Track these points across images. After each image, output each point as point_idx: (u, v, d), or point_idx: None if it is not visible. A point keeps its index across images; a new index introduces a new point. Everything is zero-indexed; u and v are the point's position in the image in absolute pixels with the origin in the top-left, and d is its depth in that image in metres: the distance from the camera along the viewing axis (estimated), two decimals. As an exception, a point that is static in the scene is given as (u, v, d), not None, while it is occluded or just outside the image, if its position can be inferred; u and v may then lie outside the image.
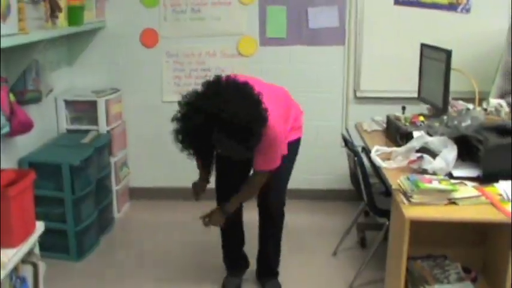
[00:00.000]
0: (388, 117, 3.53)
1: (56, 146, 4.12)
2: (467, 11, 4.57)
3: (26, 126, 3.46)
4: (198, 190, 3.35)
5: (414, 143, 2.89)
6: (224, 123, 2.53)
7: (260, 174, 3.02)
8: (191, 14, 4.59)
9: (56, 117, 4.42)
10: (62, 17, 3.66)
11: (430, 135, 2.98)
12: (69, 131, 4.45)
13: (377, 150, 3.01)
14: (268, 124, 2.72)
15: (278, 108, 2.91)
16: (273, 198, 3.24)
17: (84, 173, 3.87)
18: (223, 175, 3.32)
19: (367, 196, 3.31)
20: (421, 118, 3.30)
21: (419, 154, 2.83)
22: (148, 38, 4.69)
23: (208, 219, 3.15)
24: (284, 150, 3.02)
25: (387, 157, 2.97)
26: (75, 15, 3.83)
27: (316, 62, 4.64)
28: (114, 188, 4.55)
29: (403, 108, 3.53)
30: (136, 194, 4.94)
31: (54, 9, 3.59)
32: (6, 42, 2.89)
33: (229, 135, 2.57)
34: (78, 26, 3.92)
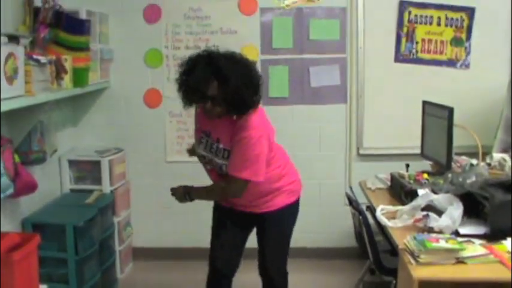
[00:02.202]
0: (392, 175, 3.52)
1: (59, 206, 4.09)
2: (467, 66, 4.64)
3: (30, 187, 3.45)
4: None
5: (419, 201, 2.88)
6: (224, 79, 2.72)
7: (233, 182, 2.93)
8: (194, 75, 4.64)
9: (59, 177, 4.41)
10: (67, 79, 3.70)
11: (435, 192, 2.97)
12: (72, 191, 4.43)
13: (382, 209, 2.99)
14: (251, 123, 2.85)
15: (270, 134, 2.99)
16: (273, 267, 3.22)
17: (88, 233, 3.84)
18: (219, 236, 3.30)
19: (373, 255, 3.28)
20: (425, 175, 3.29)
21: (424, 212, 2.81)
22: (152, 98, 4.74)
23: (173, 191, 3.25)
24: (260, 170, 2.91)
25: (392, 216, 2.95)
26: (80, 76, 3.88)
27: (319, 121, 4.67)
28: (118, 248, 4.50)
29: (407, 165, 3.53)
30: (140, 254, 4.88)
31: (59, 72, 3.64)
32: (12, 104, 2.94)
33: (225, 91, 2.72)
34: (82, 87, 3.96)
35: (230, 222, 3.25)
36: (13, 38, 2.97)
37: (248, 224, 3.25)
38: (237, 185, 2.93)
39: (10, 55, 2.90)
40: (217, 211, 3.35)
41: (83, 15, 4.06)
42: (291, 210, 3.22)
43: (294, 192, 3.21)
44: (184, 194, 3.16)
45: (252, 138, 2.85)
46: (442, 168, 3.39)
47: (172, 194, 3.23)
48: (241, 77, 2.75)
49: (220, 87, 2.73)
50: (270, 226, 3.18)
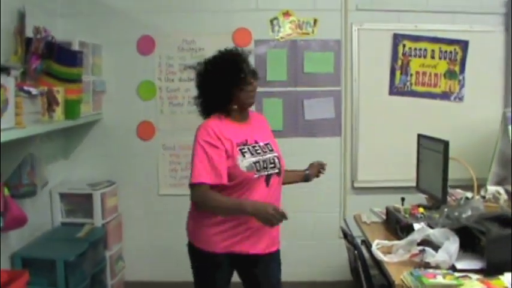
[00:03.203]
0: (387, 209, 3.48)
1: (50, 241, 4.03)
2: (461, 99, 4.66)
3: (19, 221, 3.38)
4: None
5: (415, 236, 2.83)
6: None
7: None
8: (188, 107, 4.61)
9: (50, 210, 4.36)
10: (58, 111, 3.67)
11: (431, 227, 2.92)
12: (64, 224, 4.38)
13: (378, 244, 2.94)
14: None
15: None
16: None
17: (79, 268, 3.77)
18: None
19: (368, 290, 3.22)
20: (421, 210, 3.24)
21: (420, 247, 2.76)
22: (145, 131, 4.71)
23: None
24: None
25: (388, 250, 2.90)
26: (72, 108, 3.84)
27: (313, 153, 4.54)
28: (109, 282, 4.42)
29: (402, 199, 3.49)
30: (132, 288, 4.80)
31: (51, 103, 3.61)
32: (2, 137, 2.88)
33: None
34: (74, 119, 3.92)
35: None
36: (3, 69, 2.93)
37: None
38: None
39: (1, 87, 2.86)
40: (219, 273, 3.01)
41: (76, 47, 4.05)
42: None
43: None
44: None
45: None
46: (437, 202, 3.35)
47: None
48: None
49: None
50: (278, 265, 3.07)
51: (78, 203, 4.39)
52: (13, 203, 3.30)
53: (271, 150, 2.95)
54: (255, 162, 2.83)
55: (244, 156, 2.83)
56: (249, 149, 2.87)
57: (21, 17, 3.65)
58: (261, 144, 2.93)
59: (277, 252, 3.04)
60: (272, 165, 2.91)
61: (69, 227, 4.31)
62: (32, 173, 3.69)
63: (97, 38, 4.54)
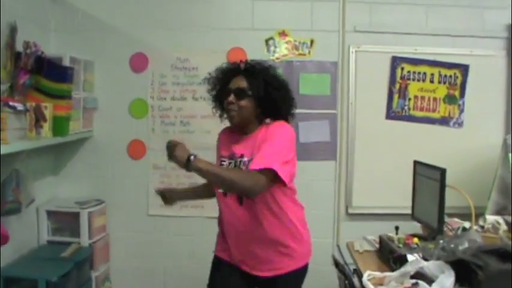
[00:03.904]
0: (380, 238, 3.37)
1: (34, 259, 3.95)
2: (460, 125, 4.58)
3: (1, 240, 3.29)
4: (167, 195, 3.28)
5: (409, 268, 2.72)
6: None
7: (257, 174, 2.60)
8: (180, 127, 4.57)
9: (37, 228, 4.28)
10: (46, 127, 3.59)
11: (426, 259, 2.82)
12: (50, 243, 4.29)
13: (369, 275, 2.84)
14: (284, 124, 2.82)
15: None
16: None
17: (62, 289, 3.67)
18: None
19: (358, 321, 3.11)
20: (415, 240, 3.14)
21: (414, 280, 2.65)
22: (136, 150, 4.63)
23: (171, 144, 2.62)
24: (287, 168, 2.71)
25: (380, 282, 2.79)
26: (60, 125, 3.76)
27: (307, 177, 4.54)
28: (95, 303, 4.31)
29: (396, 228, 3.39)
30: (118, 310, 4.69)
31: (39, 119, 3.54)
32: (-15, 152, 2.80)
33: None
34: (63, 136, 3.83)
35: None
36: (-13, 84, 2.88)
37: None
38: (259, 177, 2.60)
39: (-16, 102, 2.79)
40: (219, 271, 3.08)
41: (67, 62, 3.98)
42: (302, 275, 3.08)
43: (308, 252, 3.10)
44: (188, 155, 2.55)
45: (284, 133, 2.78)
46: (433, 232, 3.25)
47: (168, 147, 2.62)
48: (270, 77, 2.88)
49: (248, 81, 2.83)
50: None
51: (65, 221, 4.31)
52: (-5, 221, 3.22)
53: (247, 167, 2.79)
54: None
55: None
56: (229, 163, 2.87)
57: (12, 31, 3.60)
58: (245, 159, 2.82)
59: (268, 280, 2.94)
60: None
61: (55, 245, 4.22)
62: (17, 190, 3.62)
63: (90, 54, 4.48)
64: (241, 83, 2.84)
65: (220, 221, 3.03)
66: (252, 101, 2.83)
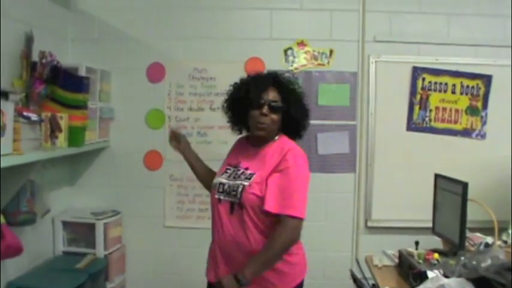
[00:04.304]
0: (400, 253, 3.30)
1: (49, 270, 3.92)
2: (483, 136, 4.49)
3: (14, 251, 3.23)
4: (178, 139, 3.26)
5: (429, 285, 2.64)
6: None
7: (284, 225, 2.61)
8: (197, 137, 4.52)
9: (52, 238, 4.25)
10: (61, 137, 3.55)
11: (446, 275, 2.74)
12: (65, 253, 4.27)
13: (388, 292, 2.77)
14: (299, 152, 2.78)
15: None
16: None
17: (75, 300, 3.64)
18: None
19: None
20: (436, 255, 3.06)
21: (434, 298, 2.58)
22: (152, 160, 4.59)
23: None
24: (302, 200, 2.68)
25: (399, 299, 2.73)
26: (75, 135, 3.72)
27: (326, 190, 4.49)
28: (110, 316, 4.28)
29: (416, 243, 3.30)
30: (134, 322, 4.66)
31: (54, 129, 3.50)
32: (-1, 163, 2.77)
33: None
34: (78, 146, 3.80)
35: None
36: (1, 94, 2.84)
37: None
38: (293, 226, 2.63)
39: (-3, 111, 2.76)
40: None
41: (83, 72, 3.96)
42: None
43: (300, 273, 2.91)
44: (234, 283, 2.61)
45: (301, 169, 2.73)
46: (454, 247, 3.17)
47: None
48: (298, 91, 2.90)
49: (282, 95, 2.81)
50: None
51: (81, 232, 4.29)
52: (8, 231, 3.16)
53: (247, 179, 2.75)
54: (221, 183, 2.84)
55: (222, 175, 2.89)
56: (233, 171, 2.86)
57: (28, 40, 3.58)
58: (248, 172, 2.79)
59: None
60: (234, 193, 2.76)
61: (71, 256, 4.21)
62: (31, 200, 3.59)
63: (107, 63, 4.46)
64: (276, 95, 2.80)
65: (212, 232, 2.97)
66: (281, 115, 2.81)
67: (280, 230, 2.62)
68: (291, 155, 2.73)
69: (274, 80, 2.85)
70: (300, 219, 2.63)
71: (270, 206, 2.65)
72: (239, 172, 2.82)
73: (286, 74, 2.97)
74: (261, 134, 2.82)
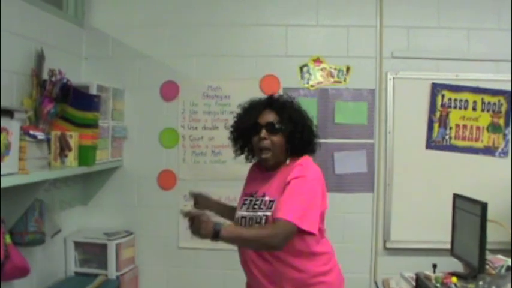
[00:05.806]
0: (417, 276, 3.19)
1: (58, 292, 3.87)
2: (505, 154, 4.36)
3: (20, 271, 3.20)
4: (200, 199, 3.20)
5: (445, 311, 2.54)
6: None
7: (277, 226, 2.52)
8: (211, 157, 4.47)
9: (64, 258, 4.21)
10: (71, 156, 3.50)
11: (464, 301, 2.62)
12: (77, 274, 4.22)
13: (403, 318, 2.66)
14: (308, 165, 2.72)
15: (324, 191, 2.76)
16: None
17: (84, 324, 3.58)
18: None
19: None
20: (454, 279, 2.95)
21: (451, 325, 2.46)
22: (166, 180, 4.53)
23: (190, 222, 2.50)
24: (309, 216, 2.58)
25: (415, 325, 2.61)
26: (85, 154, 3.66)
27: (343, 210, 4.39)
28: None
29: (434, 266, 3.19)
30: None
31: (63, 148, 3.47)
32: (3, 183, 2.71)
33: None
34: (88, 165, 3.74)
35: None
36: (5, 112, 2.79)
37: None
38: (279, 229, 2.51)
39: (2, 130, 2.70)
40: None
41: (94, 90, 3.92)
42: None
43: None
44: (214, 230, 2.43)
45: (306, 179, 2.64)
46: (473, 270, 3.04)
47: (191, 224, 2.50)
48: (297, 110, 2.84)
49: (278, 115, 2.76)
50: None
51: (93, 252, 4.24)
52: (14, 252, 3.12)
53: (269, 208, 2.67)
54: (242, 217, 2.78)
55: (241, 208, 2.83)
56: (251, 201, 2.79)
57: (39, 59, 3.57)
58: (266, 199, 2.71)
59: None
60: (257, 225, 2.69)
61: (83, 277, 4.15)
62: (39, 220, 3.53)
63: (120, 82, 4.44)
64: (273, 117, 2.76)
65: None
66: (282, 136, 2.75)
67: (271, 225, 2.57)
68: (298, 168, 2.69)
69: (269, 102, 2.82)
70: (293, 225, 2.50)
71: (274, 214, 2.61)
72: (258, 202, 2.76)
73: (283, 95, 2.91)
74: (265, 156, 2.76)
